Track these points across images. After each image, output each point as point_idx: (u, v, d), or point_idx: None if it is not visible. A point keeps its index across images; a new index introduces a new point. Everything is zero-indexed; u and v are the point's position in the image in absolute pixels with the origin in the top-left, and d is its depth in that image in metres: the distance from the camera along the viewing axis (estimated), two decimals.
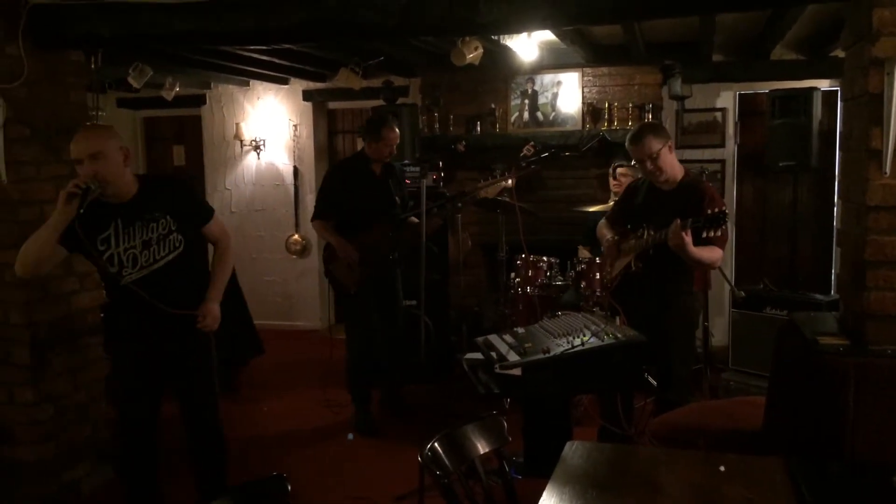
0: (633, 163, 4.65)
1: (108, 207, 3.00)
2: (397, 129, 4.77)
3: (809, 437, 2.67)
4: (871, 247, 2.70)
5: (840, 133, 3.50)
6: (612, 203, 5.18)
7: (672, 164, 3.70)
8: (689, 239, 3.37)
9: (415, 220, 4.54)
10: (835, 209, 5.90)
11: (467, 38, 4.81)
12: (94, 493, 3.97)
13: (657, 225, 3.58)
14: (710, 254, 3.53)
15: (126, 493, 3.38)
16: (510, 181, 4.71)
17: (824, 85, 5.81)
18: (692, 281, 3.77)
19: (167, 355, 3.21)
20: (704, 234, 3.33)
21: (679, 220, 3.38)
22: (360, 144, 7.61)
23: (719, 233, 3.34)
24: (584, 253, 5.37)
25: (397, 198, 4.75)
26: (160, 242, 3.07)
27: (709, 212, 3.31)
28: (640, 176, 4.29)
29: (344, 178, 4.79)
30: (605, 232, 4.08)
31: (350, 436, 4.66)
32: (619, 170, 5.24)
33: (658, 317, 3.63)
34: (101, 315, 4.14)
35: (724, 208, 3.33)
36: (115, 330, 3.32)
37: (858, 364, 2.55)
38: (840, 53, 3.45)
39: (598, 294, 4.73)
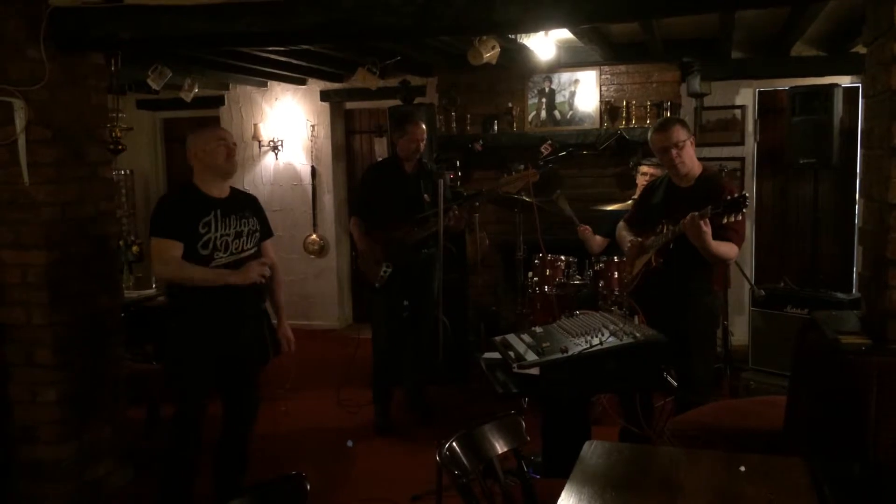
0: (656, 160, 4.63)
1: (208, 199, 3.39)
2: (423, 126, 4.81)
3: (831, 437, 2.64)
4: (893, 245, 2.67)
5: (861, 130, 3.47)
6: (630, 202, 5.16)
7: (693, 158, 3.73)
8: (707, 229, 3.37)
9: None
10: (856, 207, 5.84)
11: (484, 38, 4.80)
12: (116, 493, 4.01)
13: (676, 221, 3.57)
14: (727, 248, 3.53)
15: (166, 491, 3.47)
16: (533, 177, 4.71)
17: (845, 81, 5.75)
18: (712, 279, 3.75)
19: (233, 357, 3.42)
20: (724, 220, 3.33)
21: (695, 213, 3.38)
22: (377, 144, 7.66)
23: (740, 217, 3.34)
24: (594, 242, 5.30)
25: (426, 196, 4.75)
26: (249, 236, 3.49)
27: (728, 197, 3.31)
28: (661, 173, 4.27)
29: (375, 177, 4.94)
30: (624, 234, 4.07)
31: (350, 442, 4.62)
32: (641, 167, 5.21)
33: (679, 317, 3.61)
34: (122, 315, 4.20)
35: (744, 192, 3.32)
36: (190, 322, 3.37)
37: (881, 363, 2.52)
38: (862, 49, 3.41)
39: (616, 293, 4.71)
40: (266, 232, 3.68)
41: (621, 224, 4.17)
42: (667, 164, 3.76)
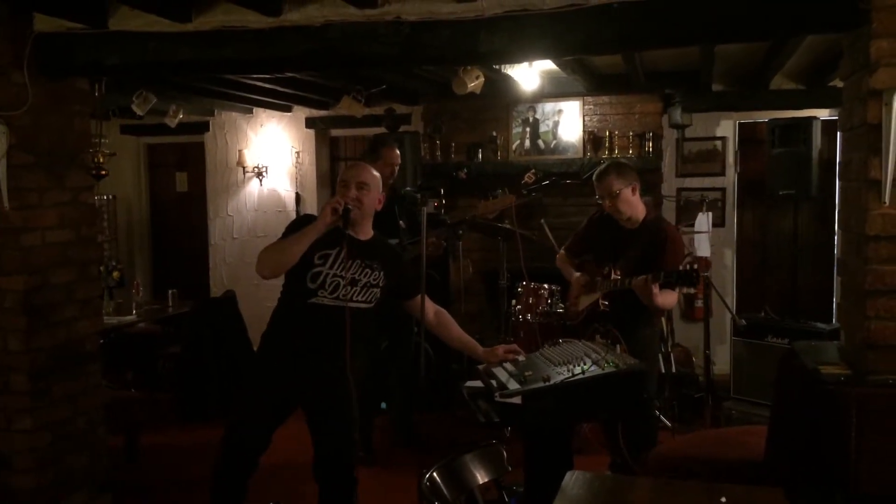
0: None
1: (342, 234, 3.03)
2: (398, 151, 4.74)
3: (812, 468, 2.65)
4: (871, 276, 2.70)
5: (840, 162, 3.53)
6: None
7: (634, 205, 3.78)
8: (657, 291, 3.45)
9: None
10: (835, 238, 5.91)
11: (468, 68, 4.85)
12: None
13: (623, 265, 3.69)
14: (671, 299, 3.66)
15: None
16: (510, 202, 4.72)
17: (824, 114, 5.85)
18: (651, 315, 3.84)
19: (310, 391, 3.19)
20: (677, 290, 3.47)
21: (649, 276, 3.46)
22: None
23: (693, 290, 3.42)
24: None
25: (402, 223, 4.73)
26: (364, 289, 3.11)
27: (681, 268, 3.39)
28: None
29: None
30: (566, 266, 4.16)
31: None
32: None
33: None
34: (101, 342, 4.15)
35: (691, 261, 3.38)
36: (269, 349, 3.20)
37: (860, 393, 2.54)
38: (839, 83, 3.48)
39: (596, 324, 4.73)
40: (403, 292, 3.33)
41: (562, 254, 4.24)
42: (606, 209, 3.84)
